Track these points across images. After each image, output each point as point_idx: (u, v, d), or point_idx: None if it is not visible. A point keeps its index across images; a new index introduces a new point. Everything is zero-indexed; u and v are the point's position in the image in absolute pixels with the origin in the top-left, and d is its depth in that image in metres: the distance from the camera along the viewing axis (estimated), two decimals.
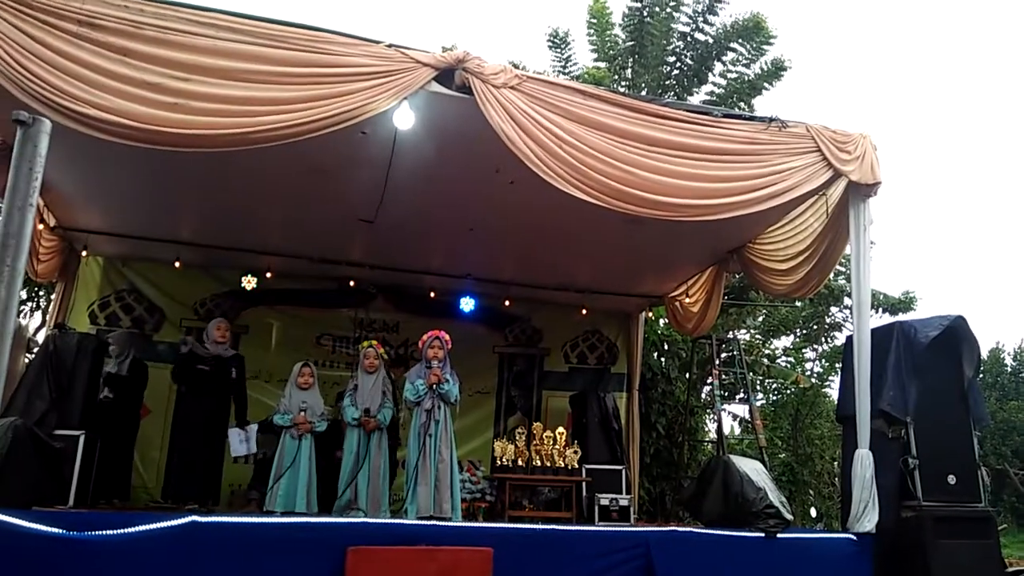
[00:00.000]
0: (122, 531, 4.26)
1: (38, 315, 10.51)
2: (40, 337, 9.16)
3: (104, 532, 4.24)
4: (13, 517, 4.06)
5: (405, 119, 5.31)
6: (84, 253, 8.17)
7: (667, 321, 10.29)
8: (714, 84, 13.28)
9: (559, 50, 13.70)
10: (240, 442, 6.72)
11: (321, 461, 6.47)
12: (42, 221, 7.22)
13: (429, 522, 5.27)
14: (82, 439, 5.94)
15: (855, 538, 5.66)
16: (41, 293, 10.66)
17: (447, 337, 6.23)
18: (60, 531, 4.13)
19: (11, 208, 1.86)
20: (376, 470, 6.21)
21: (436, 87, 5.11)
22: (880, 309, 13.28)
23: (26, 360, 7.69)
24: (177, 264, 8.27)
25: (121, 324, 8.38)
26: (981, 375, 7.16)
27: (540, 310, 9.85)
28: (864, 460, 5.76)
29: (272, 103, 4.75)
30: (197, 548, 4.35)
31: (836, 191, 6.27)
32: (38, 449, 5.18)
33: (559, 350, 10.00)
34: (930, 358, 6.12)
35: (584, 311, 9.56)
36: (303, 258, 8.37)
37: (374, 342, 6.74)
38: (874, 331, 6.12)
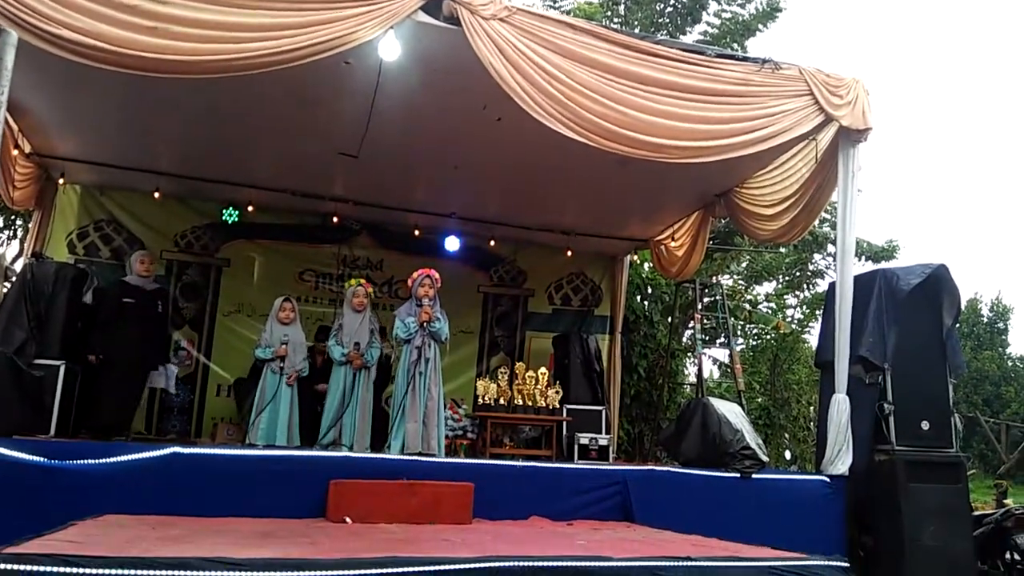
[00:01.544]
0: (104, 460, 4.28)
1: (15, 244, 10.35)
2: (18, 266, 9.03)
3: (86, 461, 4.25)
4: None
5: (391, 50, 5.17)
6: (61, 181, 8.01)
7: (651, 265, 10.30)
8: (708, 24, 13.06)
9: None
10: (160, 377, 6.95)
11: (303, 395, 6.49)
12: (16, 147, 7.04)
13: (411, 457, 5.32)
14: (62, 369, 5.91)
15: (828, 480, 5.79)
16: (19, 222, 10.48)
17: (437, 276, 6.20)
18: (42, 459, 4.14)
19: None
20: (363, 408, 6.24)
21: (423, 17, 4.95)
22: (863, 257, 13.35)
23: (3, 289, 7.60)
24: (157, 195, 8.12)
25: (100, 255, 8.28)
26: (959, 325, 7.23)
27: (525, 250, 9.83)
28: (840, 404, 5.86)
29: (254, 29, 4.59)
30: (179, 478, 4.38)
31: (826, 136, 6.20)
32: (17, 378, 5.15)
33: (543, 291, 10.01)
34: (911, 306, 6.16)
35: (569, 253, 9.54)
36: (286, 192, 8.24)
37: (362, 281, 6.69)
38: (856, 278, 6.15)
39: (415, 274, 6.23)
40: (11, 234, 10.62)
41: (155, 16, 4.40)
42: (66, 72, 4.77)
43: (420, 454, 5.55)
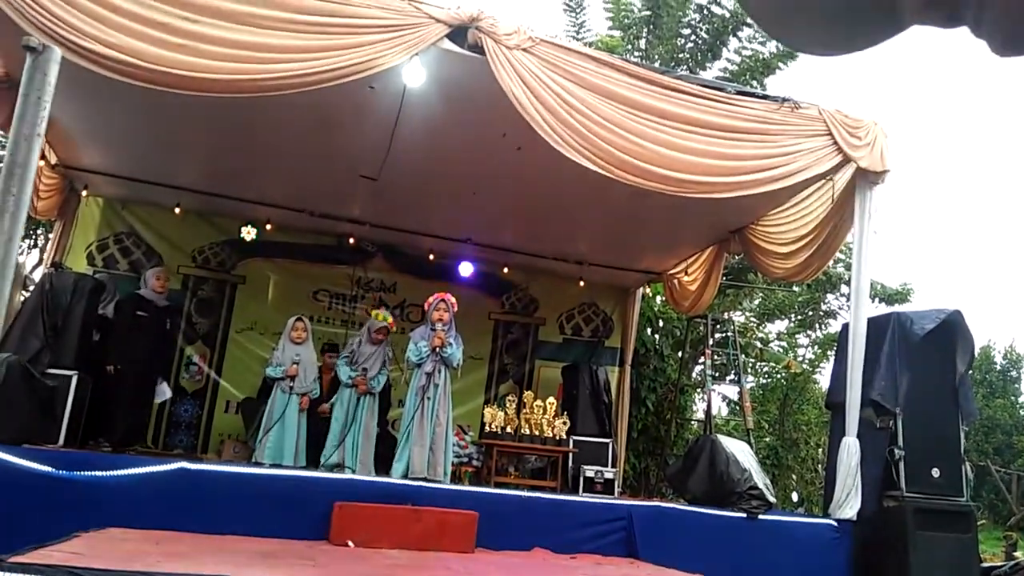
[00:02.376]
0: (111, 473, 4.28)
1: (35, 253, 10.45)
2: (37, 275, 9.12)
3: (93, 473, 4.26)
4: (5, 453, 4.08)
5: (415, 76, 5.24)
6: (84, 193, 8.11)
7: (664, 298, 10.29)
8: (728, 60, 13.13)
9: (574, 14, 13.51)
10: (161, 391, 7.04)
11: (311, 415, 6.50)
12: (43, 157, 7.14)
13: (416, 483, 5.30)
14: (75, 379, 5.94)
15: (836, 524, 5.71)
16: (40, 231, 10.59)
17: (453, 300, 6.22)
18: (50, 469, 4.15)
19: (18, 137, 1.82)
20: (366, 432, 6.23)
21: (448, 44, 5.03)
22: (877, 299, 13.28)
23: (22, 297, 7.66)
24: (177, 210, 8.22)
25: (119, 267, 8.35)
26: (971, 372, 7.15)
27: (538, 279, 9.83)
28: (850, 448, 5.80)
29: (282, 51, 4.68)
30: (184, 495, 4.37)
31: (843, 177, 6.22)
32: (31, 386, 5.18)
33: (554, 320, 10.00)
34: (924, 350, 6.12)
35: (582, 283, 9.55)
36: (304, 212, 8.31)
37: (389, 318, 6.71)
38: (870, 320, 6.12)
39: (431, 298, 6.25)
40: (32, 243, 10.73)
41: (185, 34, 4.49)
42: (94, 86, 4.85)
43: (425, 479, 5.53)
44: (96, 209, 8.46)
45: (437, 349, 5.89)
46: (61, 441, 5.64)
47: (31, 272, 9.73)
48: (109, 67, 4.34)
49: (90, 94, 5.67)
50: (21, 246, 10.83)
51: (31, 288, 6.78)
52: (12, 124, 1.85)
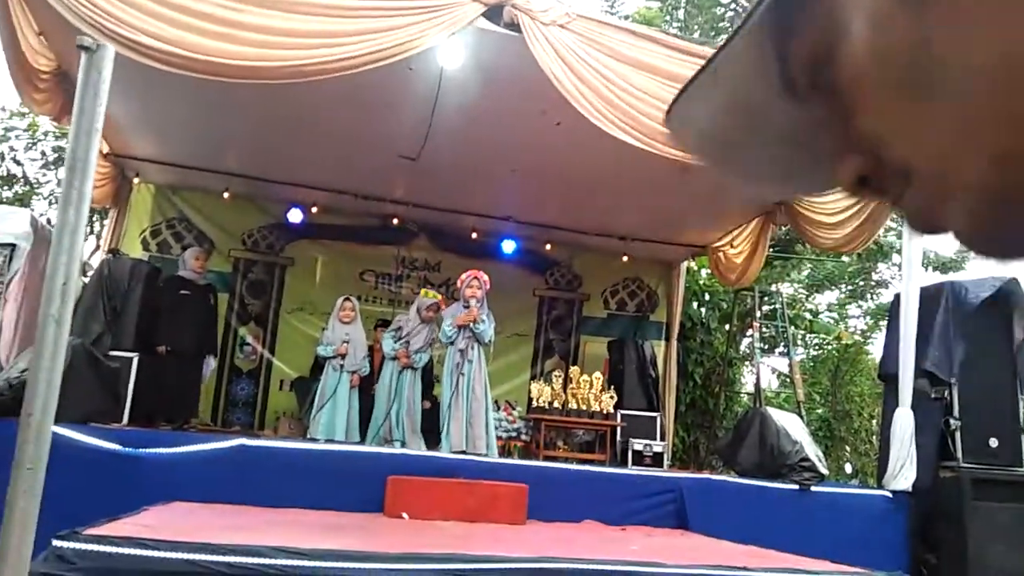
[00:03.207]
0: (175, 450, 4.45)
1: (92, 240, 10.79)
2: (94, 262, 9.43)
3: (158, 450, 4.43)
4: (73, 431, 4.27)
5: (452, 56, 5.26)
6: (136, 180, 8.32)
7: (709, 271, 10.19)
8: None
9: None
10: (207, 369, 7.23)
11: (363, 392, 6.65)
12: None
13: (467, 457, 5.39)
14: (135, 360, 6.16)
15: (890, 495, 5.66)
16: (95, 219, 10.93)
17: (485, 277, 6.27)
18: (117, 447, 4.33)
19: (78, 134, 1.90)
20: (409, 409, 6.35)
21: (484, 23, 5.03)
22: (930, 267, 12.96)
23: (81, 283, 7.95)
24: (226, 195, 8.40)
25: (172, 252, 8.58)
26: None
27: (581, 255, 9.83)
28: (904, 419, 5.72)
29: (321, 36, 4.73)
30: (244, 469, 4.53)
31: None
32: (95, 368, 5.39)
33: (599, 296, 10.00)
34: (979, 319, 5.99)
35: (625, 258, 9.51)
36: (348, 194, 8.42)
37: (438, 296, 6.80)
38: (923, 289, 6.00)
39: (463, 275, 6.32)
40: (88, 231, 11.07)
41: (228, 23, 4.57)
42: (143, 77, 4.97)
43: (466, 453, 5.62)
44: (148, 196, 8.70)
45: (470, 325, 5.96)
46: (125, 420, 5.87)
47: (89, 258, 10.06)
48: (156, 58, 4.45)
49: (138, 85, 5.81)
50: None
51: (90, 274, 7.02)
52: (72, 121, 1.92)
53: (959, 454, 5.71)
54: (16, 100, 8.96)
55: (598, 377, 7.59)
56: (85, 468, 4.20)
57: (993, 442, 5.82)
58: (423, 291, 6.89)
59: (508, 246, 9.15)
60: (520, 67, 5.14)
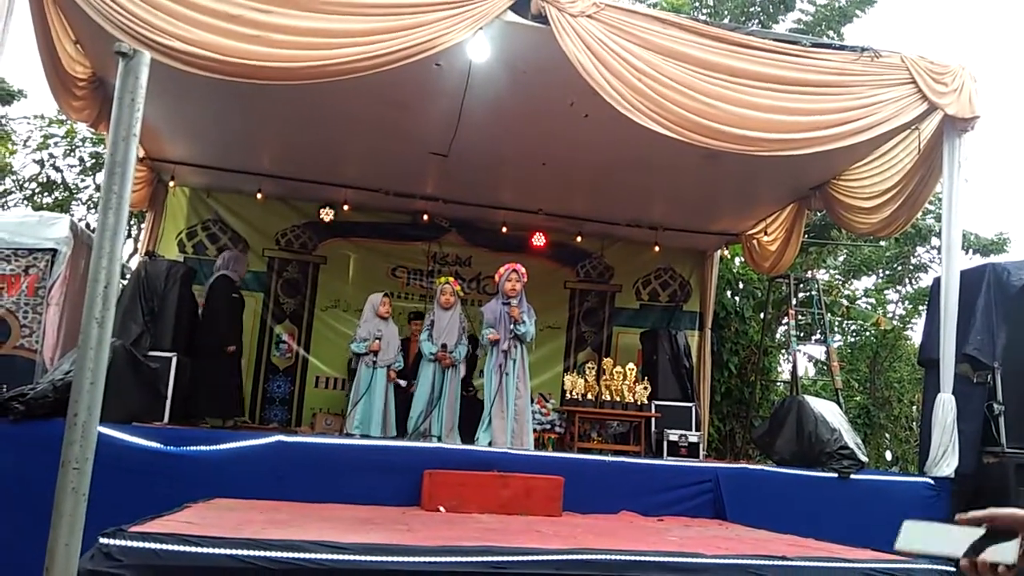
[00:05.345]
0: (214, 447, 4.53)
1: (129, 243, 11.00)
2: (132, 264, 9.62)
3: (198, 448, 4.52)
4: (116, 431, 4.36)
5: (480, 50, 5.26)
6: (172, 184, 8.47)
7: (743, 259, 10.08)
8: (801, 11, 12.63)
9: None
10: None
11: (397, 386, 6.71)
12: None
13: (502, 449, 5.41)
14: (174, 360, 6.27)
15: (932, 482, 5.56)
16: (132, 222, 11.13)
17: (523, 270, 6.27)
18: (159, 445, 4.42)
19: (116, 139, 1.93)
20: (450, 405, 6.38)
21: (511, 16, 5.02)
22: (971, 250, 12.67)
23: (119, 285, 8.10)
24: (259, 196, 8.51)
25: (207, 253, 8.73)
26: None
27: (612, 246, 9.80)
28: (946, 404, 5.62)
29: (350, 35, 4.77)
30: (282, 465, 4.59)
31: (930, 125, 5.94)
32: (135, 368, 5.50)
33: (631, 287, 9.96)
34: (1022, 302, 5.85)
35: (657, 248, 9.44)
36: (379, 191, 8.48)
37: (450, 279, 6.83)
38: (963, 273, 5.87)
39: (501, 269, 6.32)
40: (126, 234, 11.29)
41: (257, 25, 4.63)
42: (176, 81, 5.05)
43: (510, 449, 5.64)
44: (183, 198, 8.85)
45: (511, 326, 5.97)
46: (166, 419, 5.99)
47: (127, 261, 10.26)
48: (190, 62, 4.52)
49: (172, 89, 5.91)
50: None
51: (127, 276, 7.17)
52: (110, 127, 1.96)
53: (1003, 439, 5.59)
54: (54, 108, 9.15)
55: (631, 368, 7.56)
56: (129, 467, 4.29)
57: None
58: (438, 281, 6.91)
59: (538, 239, 9.14)
60: (548, 59, 5.13)
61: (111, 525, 2.67)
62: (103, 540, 2.56)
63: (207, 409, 6.92)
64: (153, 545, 2.64)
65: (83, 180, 10.81)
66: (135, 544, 2.62)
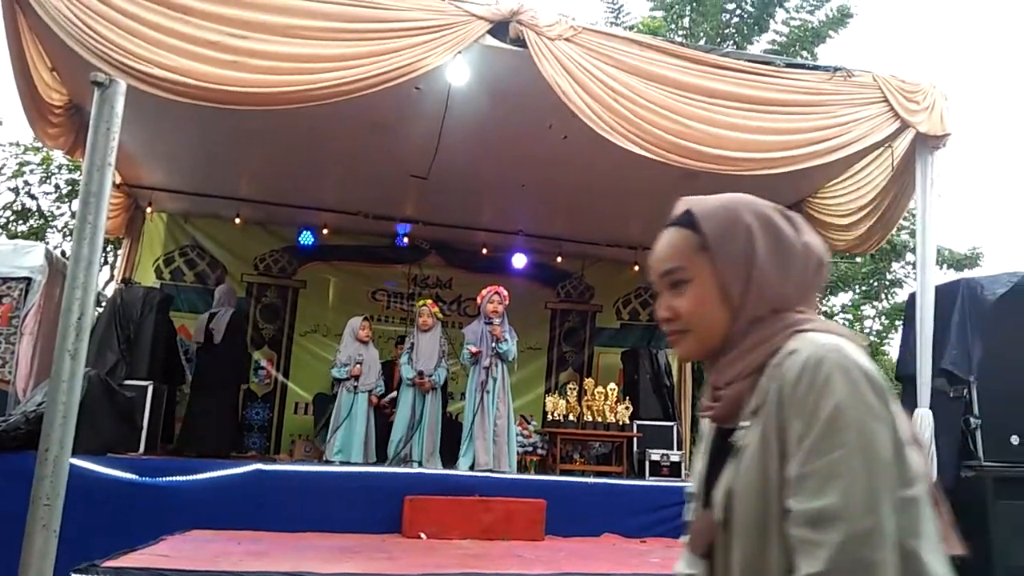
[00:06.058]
0: (190, 477, 4.46)
1: (106, 270, 10.89)
2: (108, 291, 9.51)
3: (174, 478, 4.44)
4: (90, 463, 4.28)
5: (459, 74, 5.28)
6: (149, 210, 8.39)
7: None
8: (776, 32, 12.84)
9: None
10: None
11: (378, 411, 6.65)
12: None
13: (483, 473, 5.37)
14: (150, 389, 6.19)
15: None
16: (108, 249, 11.03)
17: (505, 292, 6.28)
18: (134, 476, 4.35)
19: (91, 168, 1.92)
20: (431, 430, 6.33)
21: (490, 40, 5.05)
22: (945, 265, 12.85)
23: (95, 313, 8.00)
24: (237, 220, 8.46)
25: (185, 279, 8.65)
26: None
27: (592, 266, 9.82)
28: (923, 419, 5.65)
29: (328, 60, 4.77)
30: (261, 495, 4.53)
31: (903, 143, 6.04)
32: (111, 398, 5.42)
33: (611, 306, 9.97)
34: (997, 316, 5.91)
35: (637, 267, 9.48)
36: (358, 214, 8.46)
37: (428, 301, 6.81)
38: (938, 288, 5.94)
39: (483, 291, 6.31)
40: (102, 260, 11.17)
41: (235, 51, 4.61)
42: (153, 107, 5.02)
43: (491, 471, 5.60)
44: (161, 224, 8.77)
45: (493, 345, 5.96)
46: (142, 449, 5.89)
47: (103, 288, 10.14)
48: (168, 89, 4.50)
49: (150, 115, 5.87)
50: None
51: (103, 304, 7.09)
52: (85, 155, 1.95)
53: (980, 453, 5.62)
54: (30, 135, 9.08)
55: (613, 388, 7.55)
56: (103, 499, 4.22)
57: (1014, 439, 5.72)
58: (416, 302, 6.89)
59: (519, 260, 9.15)
60: (526, 82, 5.16)
61: (84, 560, 2.62)
62: None
63: (217, 442, 6.88)
64: None
65: (59, 207, 10.72)
66: None
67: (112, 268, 10.31)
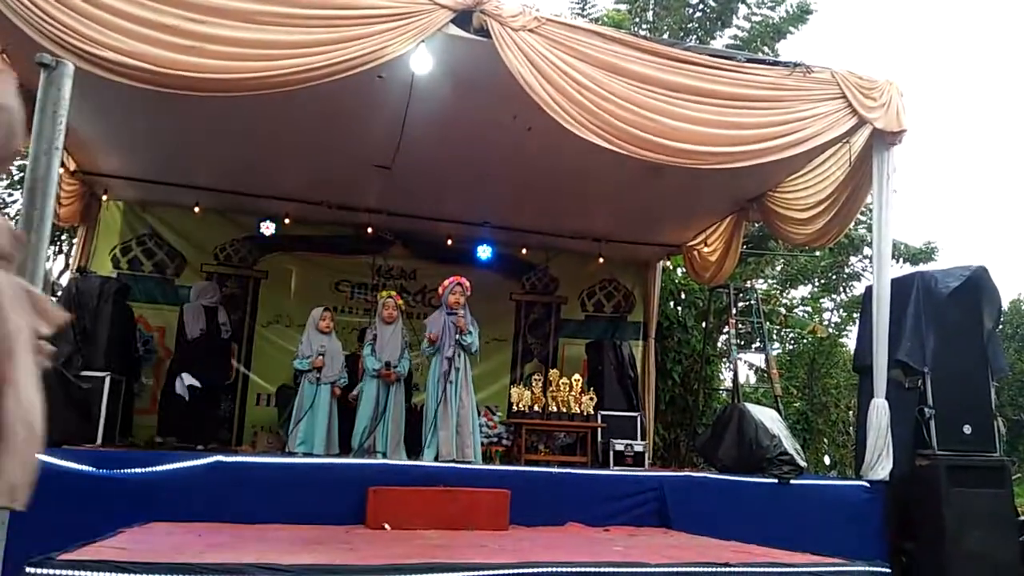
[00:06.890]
0: (149, 469, 4.39)
1: (61, 259, 10.63)
2: (64, 281, 9.29)
3: (132, 470, 4.37)
4: (44, 454, 4.18)
5: (422, 63, 5.25)
6: (105, 198, 8.22)
7: (684, 270, 10.26)
8: (738, 27, 13.00)
9: None
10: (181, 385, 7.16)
11: (342, 403, 6.61)
12: (62, 165, 7.25)
13: (448, 464, 5.37)
14: (108, 380, 6.07)
15: (868, 485, 5.72)
16: (63, 237, 10.76)
17: (467, 283, 6.26)
18: (91, 468, 4.26)
19: (37, 153, 1.86)
20: (395, 421, 6.31)
21: (454, 30, 5.02)
22: (901, 259, 13.15)
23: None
24: (197, 209, 8.31)
25: (143, 269, 8.49)
26: (1001, 326, 7.10)
27: (557, 258, 9.85)
28: (880, 409, 5.79)
29: (289, 46, 4.70)
30: (222, 486, 4.47)
31: (860, 139, 6.16)
32: (66, 389, 5.31)
33: (576, 298, 10.03)
34: (950, 309, 6.08)
35: (601, 260, 9.54)
36: (321, 204, 8.37)
37: (393, 293, 6.77)
38: (894, 281, 6.08)
39: (446, 282, 6.30)
40: (56, 249, 10.91)
41: (192, 35, 4.53)
42: (108, 92, 4.91)
43: (455, 461, 5.60)
44: (117, 213, 8.58)
45: (457, 337, 5.96)
46: (99, 440, 5.79)
47: (58, 278, 9.90)
48: (121, 73, 4.40)
49: (104, 100, 5.74)
50: (47, 254, 11.07)
51: (59, 294, 6.92)
52: (31, 140, 1.89)
53: (934, 442, 5.78)
54: None
55: (577, 379, 7.60)
56: (58, 491, 4.12)
57: (967, 429, 5.90)
58: (380, 295, 6.85)
59: (484, 251, 9.15)
60: (491, 72, 5.14)
61: (39, 553, 2.57)
62: (29, 569, 2.45)
63: (210, 435, 6.98)
64: (84, 573, 2.55)
65: (11, 195, 10.43)
66: (64, 572, 2.53)
67: (68, 257, 10.06)
